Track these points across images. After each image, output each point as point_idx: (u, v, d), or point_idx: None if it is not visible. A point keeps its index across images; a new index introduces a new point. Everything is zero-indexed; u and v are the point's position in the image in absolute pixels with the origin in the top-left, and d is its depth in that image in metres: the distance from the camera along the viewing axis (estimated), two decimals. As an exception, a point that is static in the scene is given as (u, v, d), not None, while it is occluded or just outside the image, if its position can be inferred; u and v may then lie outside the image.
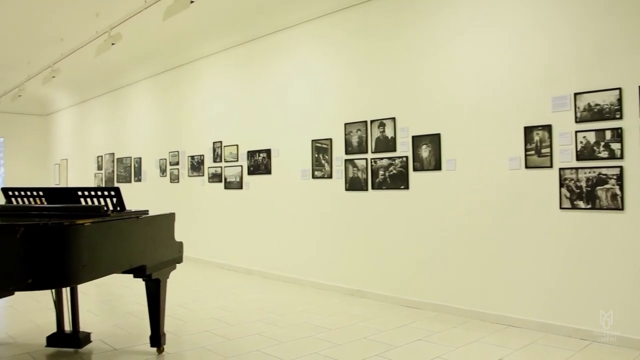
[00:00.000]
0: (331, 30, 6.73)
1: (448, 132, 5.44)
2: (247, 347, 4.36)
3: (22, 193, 4.20)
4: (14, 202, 4.26)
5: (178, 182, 9.68)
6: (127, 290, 6.57)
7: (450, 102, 5.43)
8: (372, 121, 6.16)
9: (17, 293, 3.26)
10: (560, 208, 4.62)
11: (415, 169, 5.72)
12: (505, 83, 5.00)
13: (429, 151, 5.58)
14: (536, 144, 4.77)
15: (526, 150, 4.84)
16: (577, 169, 4.52)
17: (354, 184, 6.35)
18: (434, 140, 5.53)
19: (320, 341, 4.51)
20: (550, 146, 4.68)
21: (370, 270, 6.18)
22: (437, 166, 5.51)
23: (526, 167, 4.84)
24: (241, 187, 8.13)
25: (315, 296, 6.33)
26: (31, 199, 4.20)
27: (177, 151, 9.69)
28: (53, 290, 4.32)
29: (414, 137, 5.73)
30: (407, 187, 5.79)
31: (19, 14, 8.27)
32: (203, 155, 8.99)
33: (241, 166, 8.13)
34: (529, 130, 4.82)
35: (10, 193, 4.26)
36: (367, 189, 6.21)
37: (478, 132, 5.20)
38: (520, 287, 4.88)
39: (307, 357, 4.12)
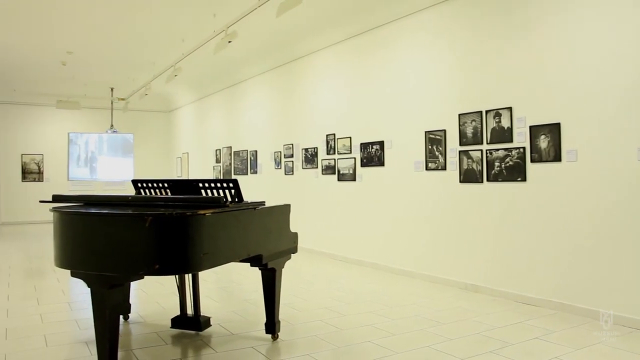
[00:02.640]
0: (443, 19, 6.59)
1: (569, 121, 5.15)
2: (358, 337, 4.40)
3: (149, 184, 4.48)
4: (142, 193, 4.56)
5: (292, 174, 9.92)
6: (244, 278, 6.84)
7: (571, 90, 5.13)
8: (487, 111, 5.96)
9: (145, 277, 3.48)
10: (697, 202, 4.24)
11: (532, 160, 5.48)
12: (634, 67, 4.64)
13: (548, 142, 5.31)
14: (669, 132, 4.40)
15: (657, 139, 4.47)
16: None
17: (468, 176, 6.20)
18: (553, 130, 5.26)
19: (433, 335, 4.46)
20: (686, 135, 4.30)
21: (484, 265, 6.01)
22: (557, 157, 5.24)
23: (657, 158, 4.48)
24: (354, 179, 8.19)
25: (428, 289, 6.26)
26: (157, 190, 4.47)
27: (292, 144, 9.92)
28: (177, 276, 4.59)
29: (531, 127, 5.48)
30: (524, 179, 5.56)
31: (145, 19, 8.84)
32: (317, 147, 9.14)
33: (354, 158, 8.18)
34: (660, 118, 4.45)
35: (139, 184, 4.56)
36: (482, 181, 6.03)
37: (602, 121, 4.87)
38: (650, 286, 4.54)
39: (419, 350, 4.09)
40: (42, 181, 15.87)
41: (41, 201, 4.44)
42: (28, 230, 13.83)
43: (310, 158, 9.31)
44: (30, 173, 15.88)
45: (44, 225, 14.27)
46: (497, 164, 5.84)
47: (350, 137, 8.27)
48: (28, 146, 15.83)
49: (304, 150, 9.53)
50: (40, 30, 9.57)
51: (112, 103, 15.88)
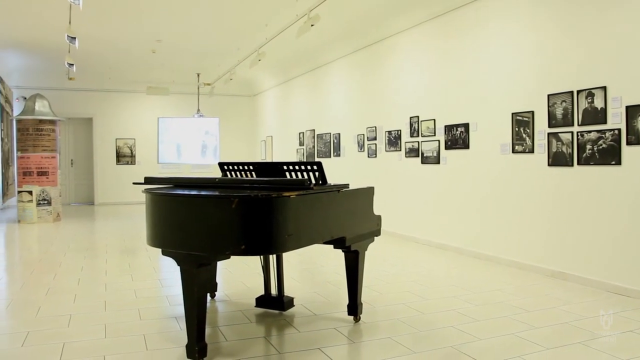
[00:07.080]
0: (534, -5, 6.31)
1: (670, 101, 4.81)
2: (441, 322, 4.36)
3: (235, 167, 4.59)
4: (229, 175, 4.68)
5: (375, 157, 9.88)
6: (327, 260, 6.91)
7: (674, 67, 4.79)
8: (578, 91, 5.68)
9: (231, 257, 3.58)
10: None
11: (629, 143, 5.17)
12: None
13: (647, 123, 5.00)
14: None
15: None
16: None
17: (557, 159, 5.94)
18: (653, 110, 4.94)
19: (517, 322, 4.34)
20: None
21: (573, 252, 5.76)
22: (656, 140, 4.92)
23: None
24: (438, 162, 8.05)
25: (513, 276, 6.09)
26: (242, 173, 4.58)
27: (375, 127, 9.87)
28: (261, 257, 4.70)
29: (628, 108, 5.17)
30: (618, 163, 5.26)
31: (230, 5, 9.02)
32: (400, 130, 9.04)
33: (438, 141, 8.04)
34: None
35: (225, 167, 4.69)
36: (572, 165, 5.77)
37: None
38: None
39: (503, 337, 4.00)
40: (134, 164, 16.68)
41: (134, 183, 4.65)
42: (122, 210, 14.57)
43: (394, 141, 9.23)
44: (124, 156, 16.70)
45: (136, 205, 14.97)
46: (589, 146, 5.56)
47: (434, 120, 8.12)
48: (121, 131, 16.65)
49: (387, 133, 9.45)
50: (132, 21, 9.99)
51: (198, 88, 16.37)
